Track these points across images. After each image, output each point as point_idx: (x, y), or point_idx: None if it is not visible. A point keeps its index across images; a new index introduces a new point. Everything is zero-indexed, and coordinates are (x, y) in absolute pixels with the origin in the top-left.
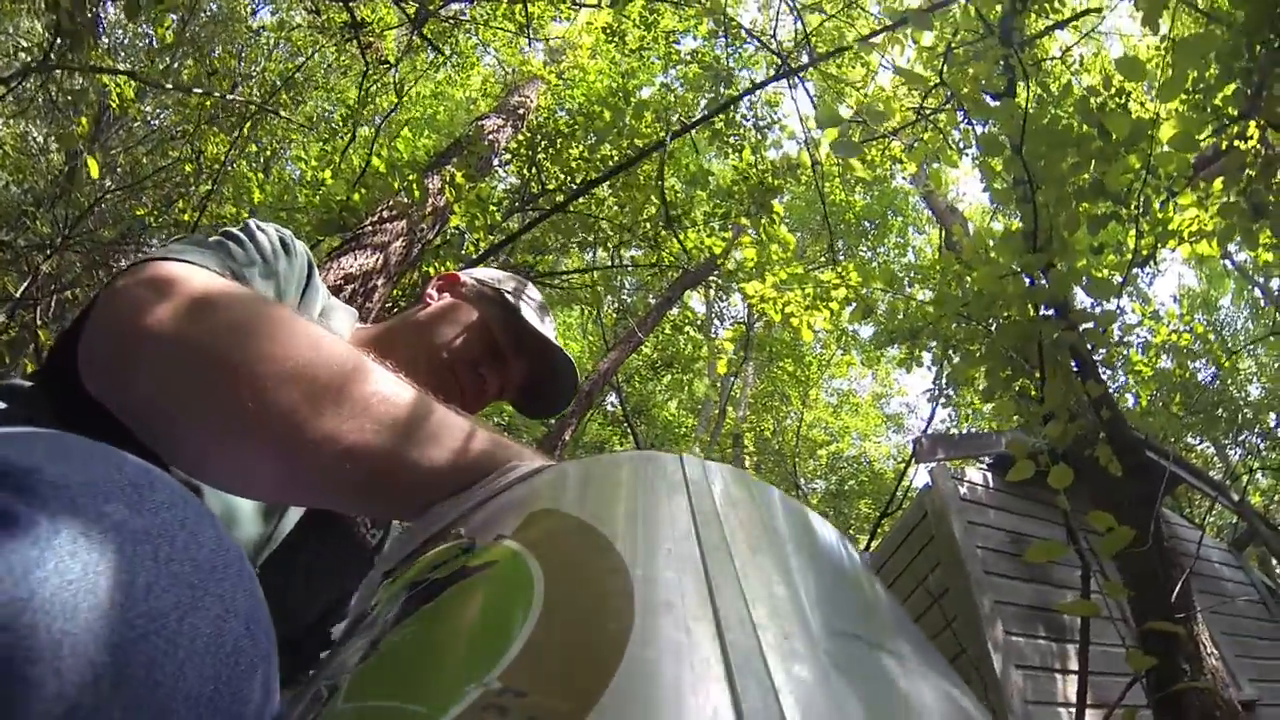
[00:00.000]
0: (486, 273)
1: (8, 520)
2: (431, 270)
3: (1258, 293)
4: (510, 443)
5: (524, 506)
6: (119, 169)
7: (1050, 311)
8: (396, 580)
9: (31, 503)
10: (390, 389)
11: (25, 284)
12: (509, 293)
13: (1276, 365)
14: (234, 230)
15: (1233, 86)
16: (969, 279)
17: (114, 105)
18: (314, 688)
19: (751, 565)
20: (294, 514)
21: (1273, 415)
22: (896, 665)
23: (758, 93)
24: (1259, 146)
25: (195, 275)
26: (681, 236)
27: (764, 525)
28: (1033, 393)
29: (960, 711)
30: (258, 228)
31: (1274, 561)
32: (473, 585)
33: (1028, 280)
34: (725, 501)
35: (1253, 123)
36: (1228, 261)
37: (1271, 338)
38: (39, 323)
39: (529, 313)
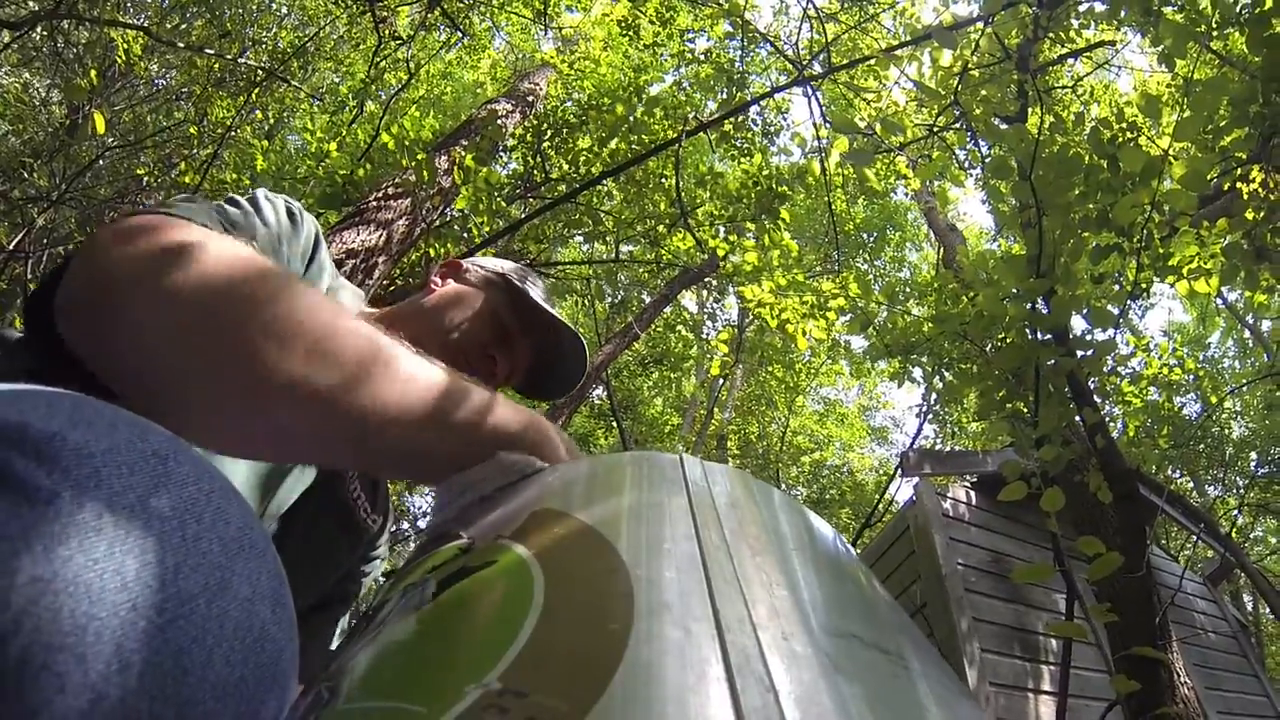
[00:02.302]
0: (490, 261)
1: (28, 490)
2: (433, 251)
3: (1246, 332)
4: (534, 418)
5: (524, 507)
6: (120, 126)
7: (1048, 336)
8: (397, 581)
9: (53, 472)
10: (411, 361)
11: (19, 236)
12: (514, 278)
13: (1261, 405)
14: (238, 198)
15: (1243, 131)
16: (966, 298)
17: (120, 61)
18: (315, 689)
19: (752, 566)
20: (289, 486)
21: (1253, 454)
22: (897, 666)
23: (767, 98)
24: (1261, 190)
25: (187, 225)
26: (690, 234)
27: (764, 526)
28: (1025, 414)
29: (960, 712)
30: (265, 197)
31: (1246, 597)
32: (473, 585)
33: (1029, 305)
34: (726, 502)
35: (1256, 166)
36: (1219, 300)
37: (1261, 380)
38: (29, 276)
39: (535, 294)
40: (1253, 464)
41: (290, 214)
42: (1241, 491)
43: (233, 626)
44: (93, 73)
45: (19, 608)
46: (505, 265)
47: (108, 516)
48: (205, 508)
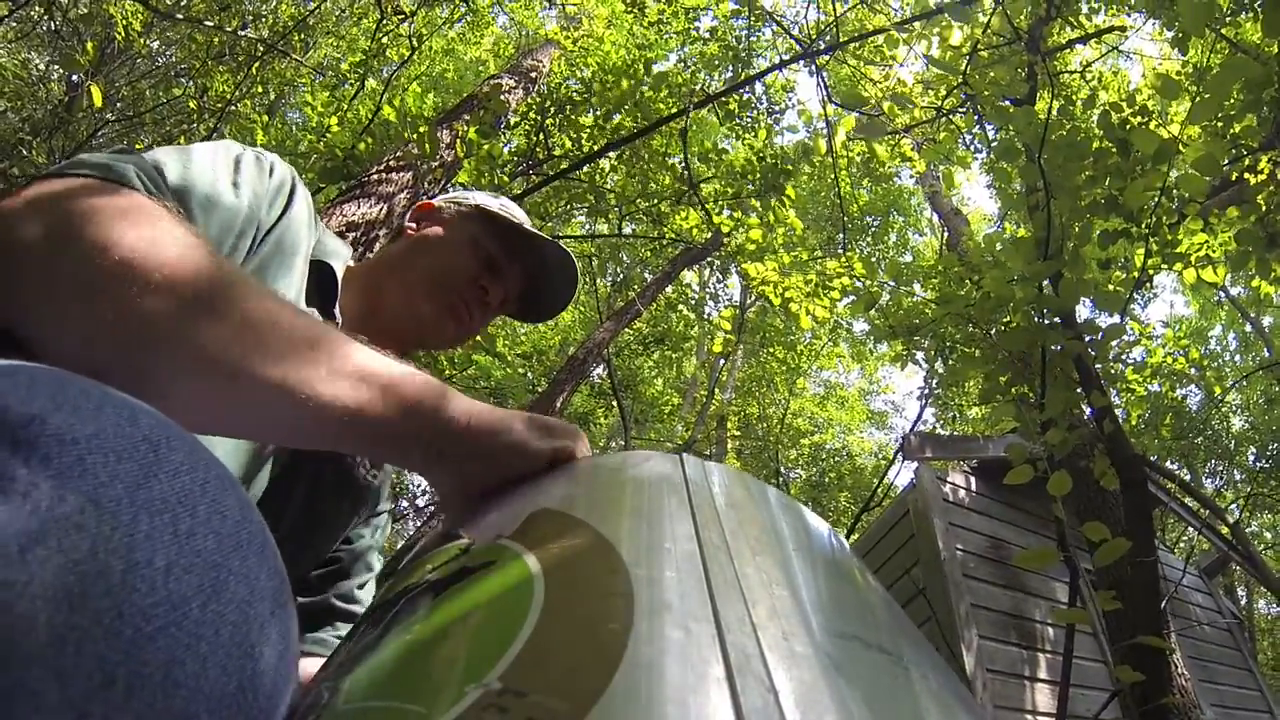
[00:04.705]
0: (462, 194)
1: (3, 481)
2: None
3: (1248, 326)
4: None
5: (524, 507)
6: (120, 102)
7: (1055, 320)
8: (397, 581)
9: (31, 459)
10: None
11: None
12: (489, 205)
13: (1261, 400)
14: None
15: (1253, 119)
16: (971, 281)
17: (119, 37)
18: (315, 689)
19: (751, 566)
20: (279, 456)
21: (1252, 449)
22: (897, 667)
23: (772, 76)
24: (1268, 180)
25: (84, 183)
26: (695, 210)
27: (764, 526)
28: (1031, 398)
29: (960, 711)
30: (241, 147)
31: (1240, 591)
32: (473, 585)
33: (1036, 287)
34: (725, 502)
35: (1264, 156)
36: (1222, 294)
37: (1261, 372)
38: None
39: (513, 216)
40: (1251, 458)
41: (258, 159)
42: (1239, 485)
43: (229, 632)
44: (90, 45)
45: None
46: (479, 195)
47: (91, 511)
48: (200, 500)
